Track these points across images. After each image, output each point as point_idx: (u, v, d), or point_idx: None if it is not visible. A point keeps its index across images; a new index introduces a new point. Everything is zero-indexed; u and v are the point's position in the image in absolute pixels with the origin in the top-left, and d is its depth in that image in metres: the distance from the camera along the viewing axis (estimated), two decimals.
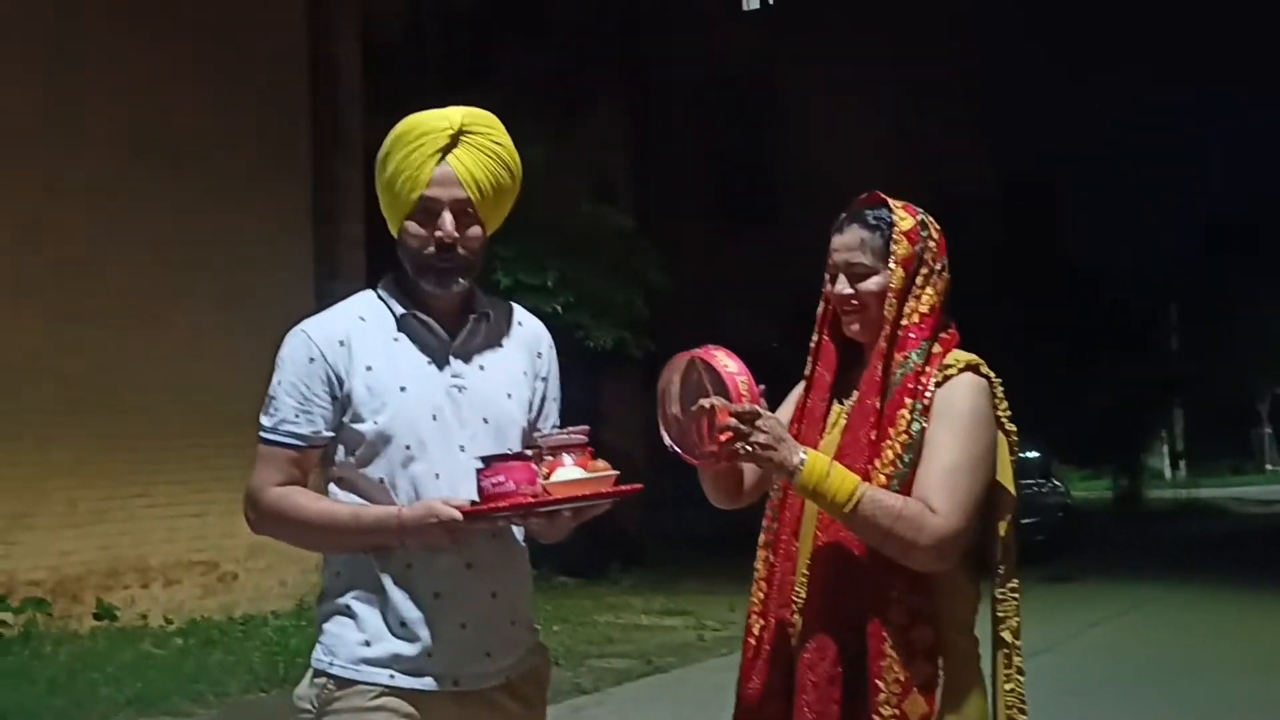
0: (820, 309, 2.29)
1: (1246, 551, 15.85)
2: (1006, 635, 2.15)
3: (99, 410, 8.65)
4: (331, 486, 2.19)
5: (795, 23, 17.30)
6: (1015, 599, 2.17)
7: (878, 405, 2.14)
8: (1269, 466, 38.03)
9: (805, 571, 2.17)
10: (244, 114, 9.60)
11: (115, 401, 8.74)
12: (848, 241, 2.21)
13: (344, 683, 2.12)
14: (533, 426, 2.26)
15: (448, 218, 2.13)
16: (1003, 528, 2.15)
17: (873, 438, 2.13)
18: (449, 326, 2.19)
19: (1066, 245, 21.43)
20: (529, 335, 2.31)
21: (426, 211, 2.13)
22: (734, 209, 16.38)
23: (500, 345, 2.24)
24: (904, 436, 2.09)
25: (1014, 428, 2.19)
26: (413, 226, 2.15)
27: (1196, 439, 34.84)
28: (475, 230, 2.16)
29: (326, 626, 2.18)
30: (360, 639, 2.13)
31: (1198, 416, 32.79)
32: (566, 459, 2.08)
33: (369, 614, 2.14)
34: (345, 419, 2.13)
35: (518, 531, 2.22)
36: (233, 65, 9.59)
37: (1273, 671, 7.65)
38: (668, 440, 2.16)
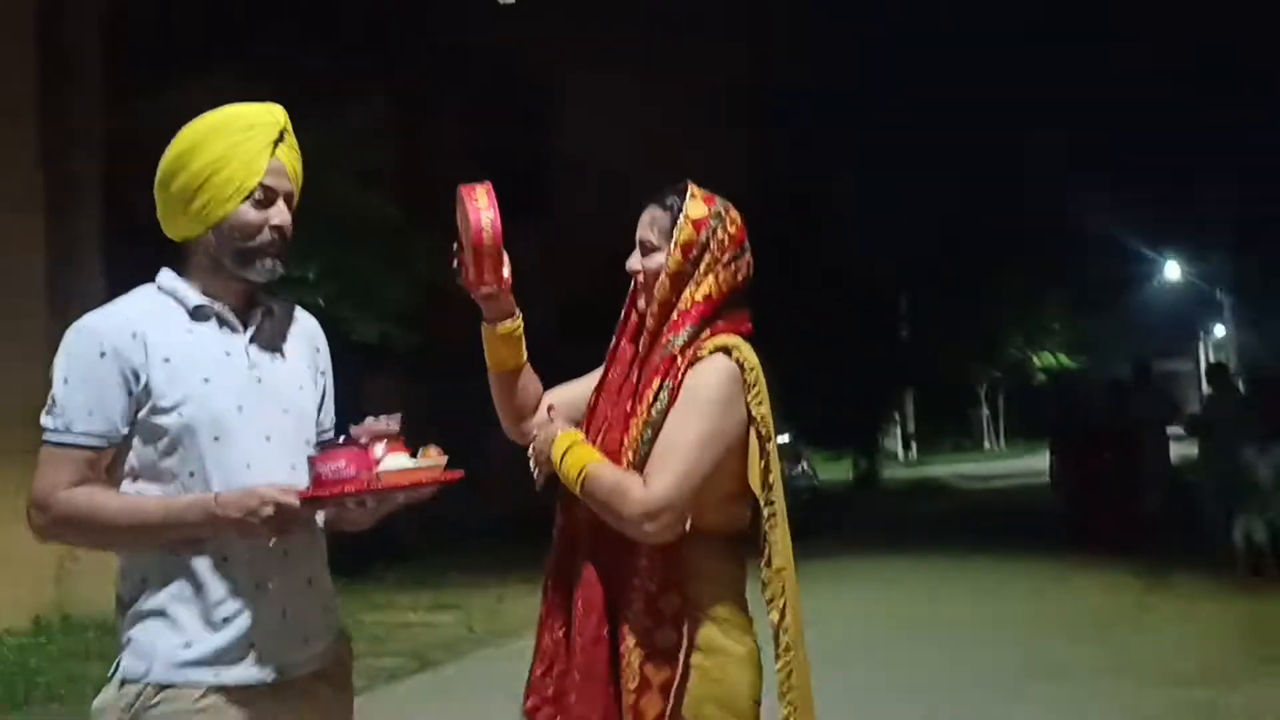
0: (632, 285, 2.38)
1: (967, 524, 17.12)
2: (774, 615, 2.24)
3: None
4: (125, 483, 2.13)
5: (576, 12, 17.38)
6: (780, 577, 2.23)
7: (635, 381, 2.26)
8: (987, 445, 41.14)
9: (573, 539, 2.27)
10: None
11: None
12: (644, 219, 2.33)
13: (162, 687, 2.07)
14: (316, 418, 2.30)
15: (283, 206, 2.20)
16: (749, 501, 2.23)
17: (627, 410, 2.24)
18: (245, 318, 2.21)
19: (819, 240, 22.48)
20: (308, 330, 2.36)
21: (262, 200, 2.16)
22: (508, 200, 16.30)
23: (286, 339, 2.27)
24: (647, 415, 2.19)
25: (765, 413, 2.22)
26: (249, 210, 2.16)
27: (925, 421, 37.31)
28: (291, 221, 2.23)
29: (134, 634, 2.12)
30: (179, 641, 2.09)
31: (926, 400, 35.13)
32: (379, 448, 2.11)
33: (186, 614, 2.10)
34: (143, 413, 2.09)
35: (318, 520, 2.25)
36: None
37: (997, 629, 8.33)
38: (460, 279, 2.30)
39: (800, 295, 19.37)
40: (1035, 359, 38.58)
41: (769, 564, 2.25)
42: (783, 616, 2.25)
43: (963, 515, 19.07)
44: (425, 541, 12.50)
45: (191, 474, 2.10)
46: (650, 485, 2.12)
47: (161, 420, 2.09)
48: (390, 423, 2.14)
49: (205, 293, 2.18)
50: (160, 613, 2.10)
